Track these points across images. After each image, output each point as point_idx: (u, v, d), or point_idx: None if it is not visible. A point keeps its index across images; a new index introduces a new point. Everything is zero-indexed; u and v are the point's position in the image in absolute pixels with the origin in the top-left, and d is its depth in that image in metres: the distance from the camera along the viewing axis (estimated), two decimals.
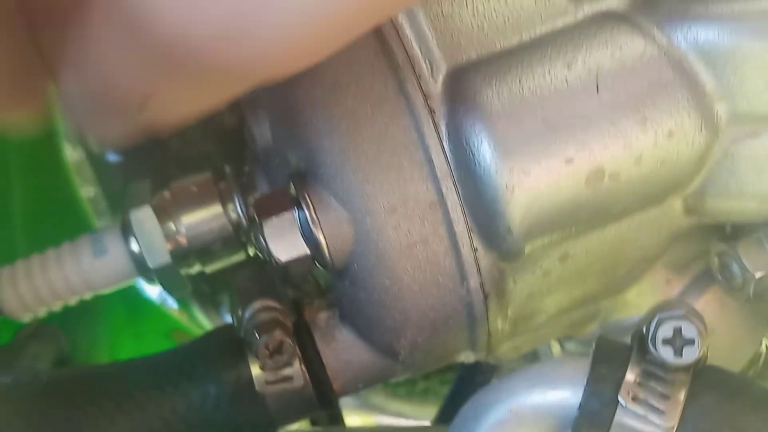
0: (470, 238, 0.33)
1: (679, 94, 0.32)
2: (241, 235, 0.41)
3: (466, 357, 0.39)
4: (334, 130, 0.32)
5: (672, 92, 0.32)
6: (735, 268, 0.38)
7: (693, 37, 0.32)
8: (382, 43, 0.32)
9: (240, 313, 0.36)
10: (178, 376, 0.36)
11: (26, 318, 0.39)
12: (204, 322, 0.60)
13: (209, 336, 0.38)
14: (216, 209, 0.40)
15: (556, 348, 0.47)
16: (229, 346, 0.36)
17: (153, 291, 0.61)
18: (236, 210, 0.40)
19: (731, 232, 0.39)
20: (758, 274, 0.37)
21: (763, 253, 0.38)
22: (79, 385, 0.36)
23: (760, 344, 0.45)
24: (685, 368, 0.29)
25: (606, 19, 0.33)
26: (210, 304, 0.59)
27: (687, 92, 0.32)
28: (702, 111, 0.32)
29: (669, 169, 0.33)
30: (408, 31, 0.33)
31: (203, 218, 0.40)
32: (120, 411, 0.35)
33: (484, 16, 0.33)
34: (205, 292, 0.58)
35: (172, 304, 0.62)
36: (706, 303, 0.42)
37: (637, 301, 0.41)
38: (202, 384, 0.36)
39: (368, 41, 0.32)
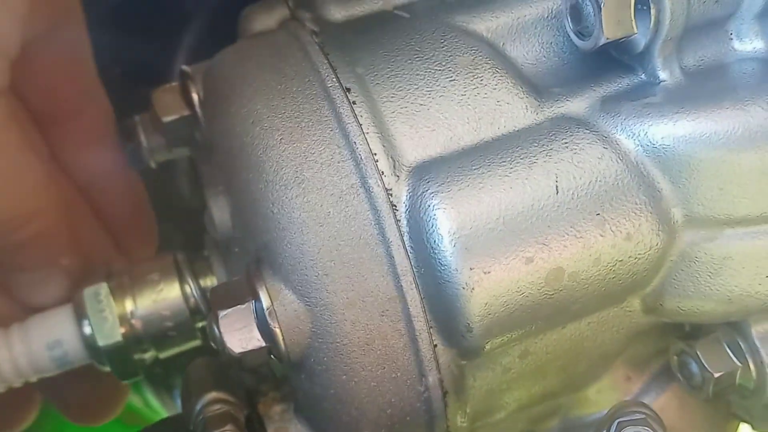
0: (430, 335, 0.33)
1: (636, 198, 0.33)
2: (197, 321, 0.40)
3: None
4: (293, 224, 0.32)
5: (630, 196, 0.32)
6: (694, 367, 0.38)
7: (649, 143, 0.33)
8: (345, 138, 0.33)
9: (191, 404, 0.35)
10: None
11: None
12: (156, 405, 0.58)
13: (158, 426, 0.37)
14: (173, 294, 0.39)
15: None
16: None
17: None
18: (193, 295, 0.39)
19: (690, 331, 0.39)
20: (717, 374, 0.37)
21: (721, 352, 0.38)
22: None
23: None
24: None
25: (566, 123, 0.34)
26: (163, 387, 0.57)
27: (644, 196, 0.33)
28: (659, 215, 0.33)
29: (627, 270, 0.33)
30: (371, 126, 0.33)
31: (159, 302, 0.39)
32: None
33: (446, 116, 0.33)
34: (157, 374, 0.56)
35: None
36: (667, 401, 0.42)
37: (598, 398, 0.41)
38: None
39: (332, 136, 0.33)
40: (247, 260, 0.34)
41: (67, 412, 0.45)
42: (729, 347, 0.38)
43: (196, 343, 0.40)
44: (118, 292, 0.39)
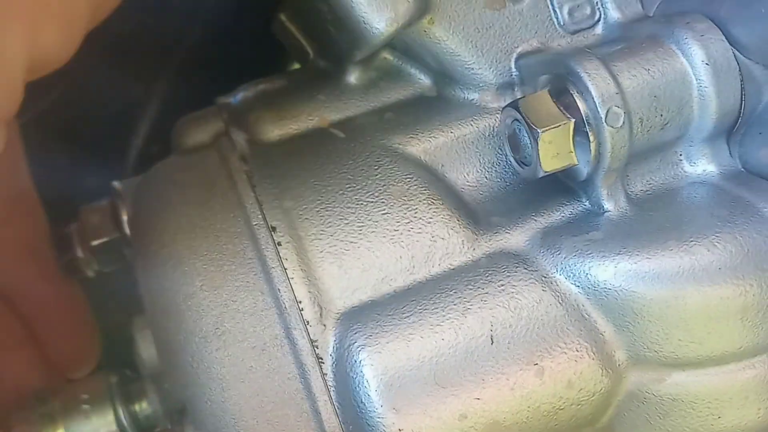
0: None
1: (577, 345, 0.31)
2: None
3: None
4: (213, 381, 0.30)
5: (570, 342, 0.31)
6: None
7: (590, 285, 0.31)
8: (269, 284, 0.31)
9: None
10: None
11: None
12: None
13: None
14: (106, 421, 0.37)
15: None
16: None
17: None
18: (125, 422, 0.38)
19: None
20: None
21: None
22: None
23: None
24: None
25: (504, 260, 0.32)
26: None
27: (585, 342, 0.31)
28: (602, 359, 0.31)
29: (570, 416, 0.31)
30: (297, 270, 0.31)
31: (92, 430, 0.37)
32: None
33: (377, 255, 0.32)
34: None
35: None
36: None
37: None
38: None
39: (255, 282, 0.31)
40: (173, 406, 0.33)
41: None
42: None
43: None
44: (49, 419, 0.37)
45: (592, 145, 0.31)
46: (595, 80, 0.30)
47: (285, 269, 0.31)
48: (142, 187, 0.36)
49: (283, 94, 0.38)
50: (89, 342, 0.44)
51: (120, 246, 0.38)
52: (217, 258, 0.31)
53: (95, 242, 0.37)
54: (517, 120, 0.32)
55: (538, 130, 0.31)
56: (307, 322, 0.31)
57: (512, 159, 0.33)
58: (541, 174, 0.31)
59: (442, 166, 0.35)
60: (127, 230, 0.37)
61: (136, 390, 0.38)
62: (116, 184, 0.38)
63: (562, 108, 0.31)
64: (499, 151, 0.35)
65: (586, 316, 0.31)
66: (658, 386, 0.32)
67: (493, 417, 0.30)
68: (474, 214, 0.34)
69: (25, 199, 0.41)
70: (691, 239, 0.30)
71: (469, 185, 0.35)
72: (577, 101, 0.31)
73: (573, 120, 0.31)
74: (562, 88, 0.31)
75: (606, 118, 0.30)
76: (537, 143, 0.31)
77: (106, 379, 0.38)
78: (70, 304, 0.43)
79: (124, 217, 0.37)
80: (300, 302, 0.31)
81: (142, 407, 0.38)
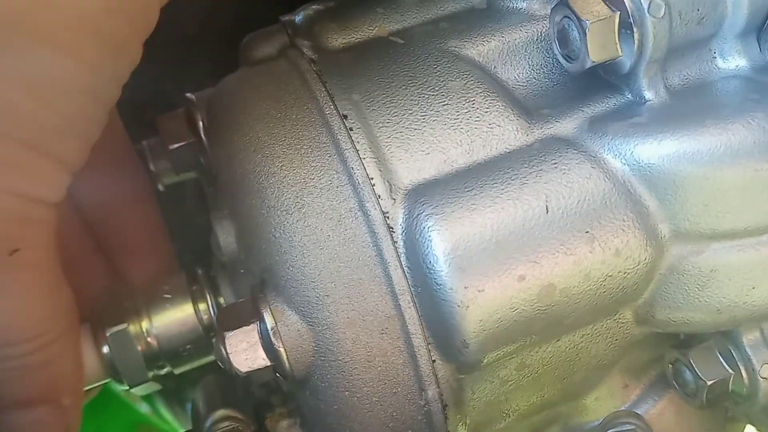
0: (428, 351, 0.34)
1: (624, 215, 0.34)
2: (211, 337, 0.41)
3: None
4: (294, 249, 0.33)
5: (617, 213, 0.34)
6: (688, 375, 0.39)
7: (636, 162, 0.34)
8: (343, 164, 0.34)
9: (201, 422, 0.36)
10: None
11: None
12: (168, 417, 0.60)
13: None
14: (187, 312, 0.41)
15: None
16: None
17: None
18: (208, 312, 0.41)
19: (684, 340, 0.40)
20: (710, 382, 0.38)
21: (714, 360, 0.39)
22: None
23: None
24: None
25: (555, 144, 0.35)
26: (175, 399, 0.59)
27: (632, 213, 0.34)
28: (646, 230, 0.34)
29: (617, 284, 0.34)
30: (368, 152, 0.34)
31: (175, 320, 0.41)
32: None
33: (439, 140, 0.35)
34: (170, 387, 0.57)
35: (136, 398, 0.62)
36: (664, 408, 0.43)
37: (596, 406, 0.42)
38: None
39: (330, 162, 0.34)
40: (252, 282, 0.36)
41: None
42: (721, 355, 0.39)
43: (210, 358, 0.41)
44: (135, 311, 0.40)
45: (636, 36, 0.34)
46: None
47: (357, 151, 0.34)
48: (216, 94, 0.40)
49: (344, 8, 0.41)
50: (168, 253, 0.46)
51: (196, 151, 0.41)
52: (295, 143, 0.35)
53: (173, 146, 0.41)
54: (566, 16, 0.35)
55: (587, 22, 0.34)
56: (379, 196, 0.34)
57: (560, 56, 0.36)
58: (589, 64, 0.34)
59: (495, 67, 0.38)
60: (203, 135, 0.40)
61: (211, 282, 0.41)
62: (190, 95, 0.41)
63: (608, 2, 0.34)
64: (546, 53, 0.38)
65: (632, 190, 0.34)
66: (697, 258, 0.35)
67: (548, 279, 0.33)
68: (526, 108, 0.37)
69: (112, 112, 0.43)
70: (728, 118, 0.33)
71: (520, 84, 0.38)
72: None
73: (618, 12, 0.34)
74: None
75: (649, 8, 0.33)
76: (585, 35, 0.34)
77: (184, 275, 0.42)
78: (154, 218, 0.45)
79: (200, 123, 0.40)
80: (371, 179, 0.34)
81: (217, 296, 0.41)
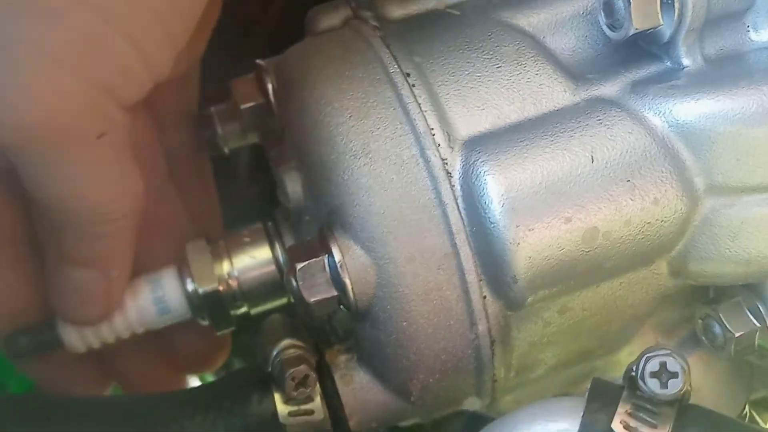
0: (480, 287, 0.37)
1: (662, 168, 0.37)
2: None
3: (472, 404, 0.42)
4: (361, 190, 0.37)
5: (657, 166, 0.37)
6: (717, 329, 0.42)
7: (674, 119, 0.37)
8: (406, 116, 0.37)
9: (268, 351, 0.39)
10: (206, 409, 0.39)
11: (82, 349, 0.42)
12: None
13: (236, 373, 0.42)
14: (264, 255, 0.44)
15: None
16: (255, 382, 0.40)
17: None
18: (281, 256, 0.44)
19: (714, 296, 0.43)
20: (738, 334, 0.41)
21: (742, 314, 0.42)
22: (113, 410, 0.40)
23: (744, 407, 0.49)
24: (671, 402, 0.33)
25: (599, 103, 0.38)
26: None
27: (670, 166, 0.37)
28: (683, 183, 0.37)
29: (655, 232, 0.37)
30: (429, 106, 0.38)
31: (253, 263, 0.44)
32: None
33: (493, 98, 0.38)
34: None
35: None
36: (692, 364, 0.45)
37: (629, 361, 0.45)
38: (230, 416, 0.39)
39: (394, 114, 0.38)
40: (318, 225, 0.39)
41: (178, 360, 0.48)
42: (749, 310, 0.41)
43: (284, 300, 0.45)
44: (216, 254, 0.44)
45: (676, 6, 0.37)
46: None
47: (419, 104, 0.38)
48: (285, 59, 0.43)
49: None
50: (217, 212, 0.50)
51: (264, 112, 0.45)
52: (362, 96, 0.38)
53: (244, 106, 0.44)
54: None
55: None
56: (438, 144, 0.37)
57: (605, 26, 0.39)
58: (632, 32, 0.38)
59: (544, 36, 0.41)
60: (272, 98, 0.44)
61: (285, 228, 0.45)
62: (260, 61, 0.45)
63: None
64: (591, 26, 0.42)
65: (670, 146, 0.37)
66: (728, 210, 0.38)
67: (592, 223, 0.36)
68: (572, 73, 0.40)
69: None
70: (760, 81, 0.37)
71: (567, 52, 0.41)
72: None
73: None
74: None
75: None
76: (630, 4, 0.37)
77: (263, 224, 0.45)
78: (210, 176, 0.49)
79: (269, 86, 0.44)
80: (432, 129, 0.37)
81: (286, 243, 0.45)
